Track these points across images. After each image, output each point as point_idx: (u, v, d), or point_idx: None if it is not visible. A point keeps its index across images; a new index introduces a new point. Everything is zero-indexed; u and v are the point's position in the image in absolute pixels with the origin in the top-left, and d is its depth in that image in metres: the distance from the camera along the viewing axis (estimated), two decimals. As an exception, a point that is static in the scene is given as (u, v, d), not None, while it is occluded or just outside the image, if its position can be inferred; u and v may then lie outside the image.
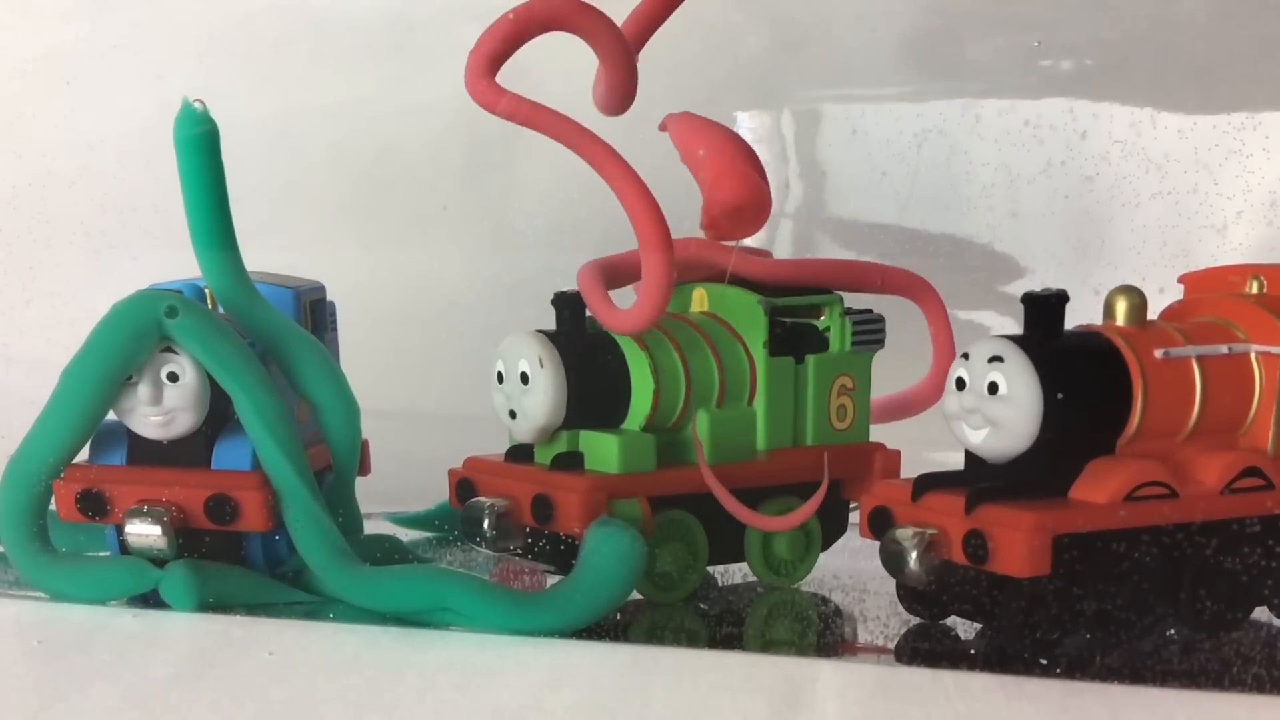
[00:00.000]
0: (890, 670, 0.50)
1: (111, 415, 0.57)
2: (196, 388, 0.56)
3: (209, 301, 0.59)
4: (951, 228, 0.89)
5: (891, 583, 0.55)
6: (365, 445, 0.63)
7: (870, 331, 0.63)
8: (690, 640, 0.55)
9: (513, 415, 0.60)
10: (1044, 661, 0.50)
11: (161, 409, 0.56)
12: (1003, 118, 0.86)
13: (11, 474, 0.57)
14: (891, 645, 0.54)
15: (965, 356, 0.52)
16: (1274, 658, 0.51)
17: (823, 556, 0.63)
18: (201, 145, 0.55)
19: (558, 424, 0.59)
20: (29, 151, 0.90)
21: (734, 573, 0.63)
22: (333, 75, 0.95)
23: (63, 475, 0.57)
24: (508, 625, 0.53)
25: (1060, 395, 0.50)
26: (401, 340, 0.89)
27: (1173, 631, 0.53)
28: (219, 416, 0.57)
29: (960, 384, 0.52)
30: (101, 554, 0.60)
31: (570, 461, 0.59)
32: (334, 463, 0.62)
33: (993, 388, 0.51)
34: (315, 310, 0.65)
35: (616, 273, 0.61)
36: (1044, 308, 0.52)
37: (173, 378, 0.56)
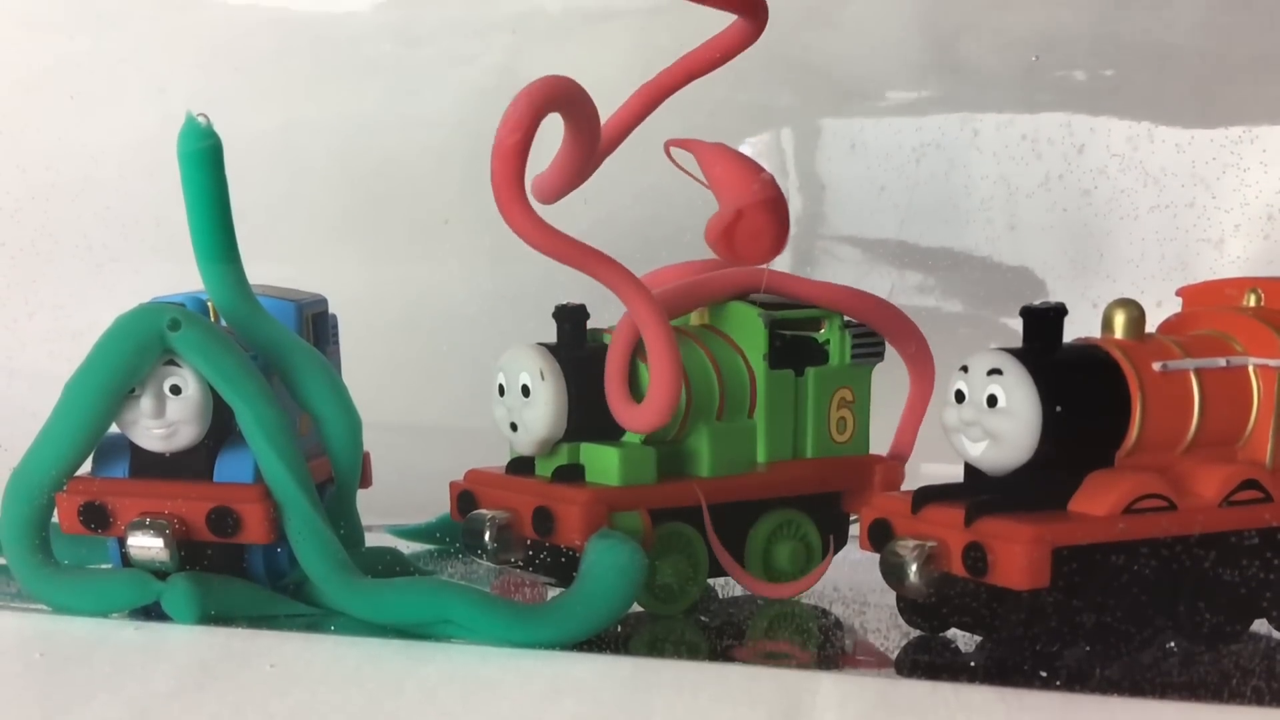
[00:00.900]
0: (890, 683, 0.50)
1: (114, 428, 0.57)
2: (199, 400, 0.56)
3: (211, 314, 0.60)
4: (950, 241, 0.89)
5: (891, 595, 0.55)
6: (367, 458, 0.64)
7: (870, 344, 0.63)
8: (691, 653, 0.55)
9: (514, 428, 0.60)
10: (1044, 674, 0.50)
11: (164, 422, 0.56)
12: (1001, 132, 0.86)
13: (14, 486, 0.57)
14: (892, 657, 0.54)
15: (964, 369, 0.53)
16: (1273, 670, 0.51)
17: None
18: (205, 159, 0.55)
19: (558, 436, 0.59)
20: (32, 165, 0.90)
21: (734, 585, 0.63)
22: (335, 89, 0.96)
23: (65, 488, 0.57)
24: (509, 638, 0.53)
25: (1059, 408, 0.50)
26: (403, 353, 0.89)
27: (1172, 644, 0.53)
28: (221, 429, 0.57)
29: (959, 397, 0.53)
30: (103, 566, 0.60)
31: (571, 474, 0.59)
32: (335, 475, 0.62)
33: (992, 400, 0.51)
34: (317, 323, 0.65)
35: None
36: (1042, 321, 0.52)
37: (175, 390, 0.56)
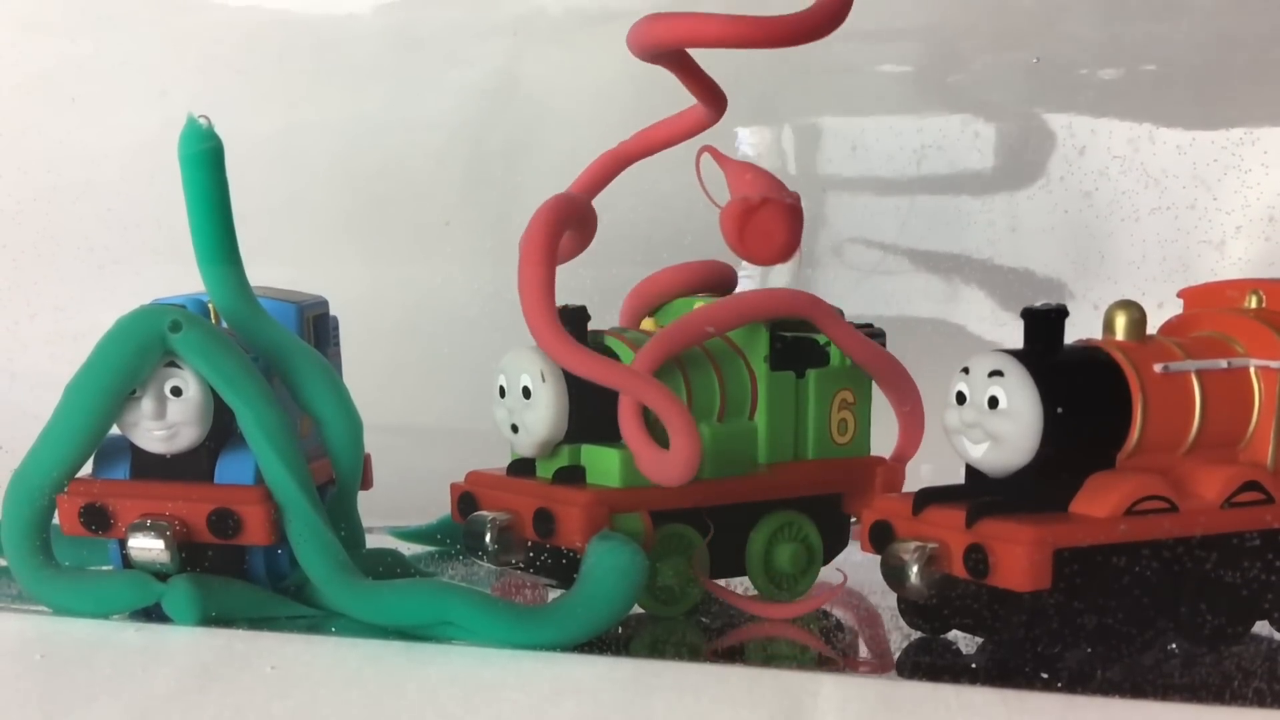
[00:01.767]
0: (891, 684, 0.50)
1: (115, 430, 0.57)
2: (200, 402, 0.56)
3: (212, 316, 0.60)
4: (951, 243, 0.89)
5: (892, 596, 0.55)
6: (367, 459, 0.64)
7: (871, 346, 0.63)
8: (692, 654, 0.55)
9: (514, 429, 0.60)
10: (1045, 675, 0.50)
11: (165, 423, 0.56)
12: (1002, 134, 0.86)
13: (15, 488, 0.57)
14: (893, 659, 0.54)
15: (965, 371, 0.53)
16: (1275, 671, 0.51)
17: (823, 570, 0.63)
18: (206, 161, 0.55)
19: (559, 438, 0.59)
20: (34, 167, 0.90)
21: (735, 587, 0.63)
22: (336, 91, 0.96)
23: (66, 489, 0.57)
24: (510, 639, 0.53)
25: (1060, 409, 0.50)
26: (404, 355, 0.89)
27: (1173, 645, 0.53)
28: (222, 431, 0.57)
29: (960, 398, 0.53)
30: (104, 568, 0.60)
31: (572, 475, 0.59)
32: (336, 477, 0.62)
33: (993, 402, 0.51)
34: (318, 325, 0.65)
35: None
36: (1044, 322, 0.52)
37: (176, 392, 0.56)
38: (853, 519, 0.63)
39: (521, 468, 0.61)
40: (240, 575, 0.59)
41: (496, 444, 0.62)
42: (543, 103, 0.93)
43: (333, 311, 0.67)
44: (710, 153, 0.60)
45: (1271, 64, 0.83)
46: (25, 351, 0.88)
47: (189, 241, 0.57)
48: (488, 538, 0.58)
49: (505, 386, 0.60)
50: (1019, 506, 0.51)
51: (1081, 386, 0.51)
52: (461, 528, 0.60)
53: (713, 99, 0.60)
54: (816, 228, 0.90)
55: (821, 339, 0.63)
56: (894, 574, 0.52)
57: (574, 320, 0.60)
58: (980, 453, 0.52)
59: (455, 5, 0.95)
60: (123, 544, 0.57)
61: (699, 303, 0.64)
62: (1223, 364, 0.53)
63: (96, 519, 0.57)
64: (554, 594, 0.61)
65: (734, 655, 0.55)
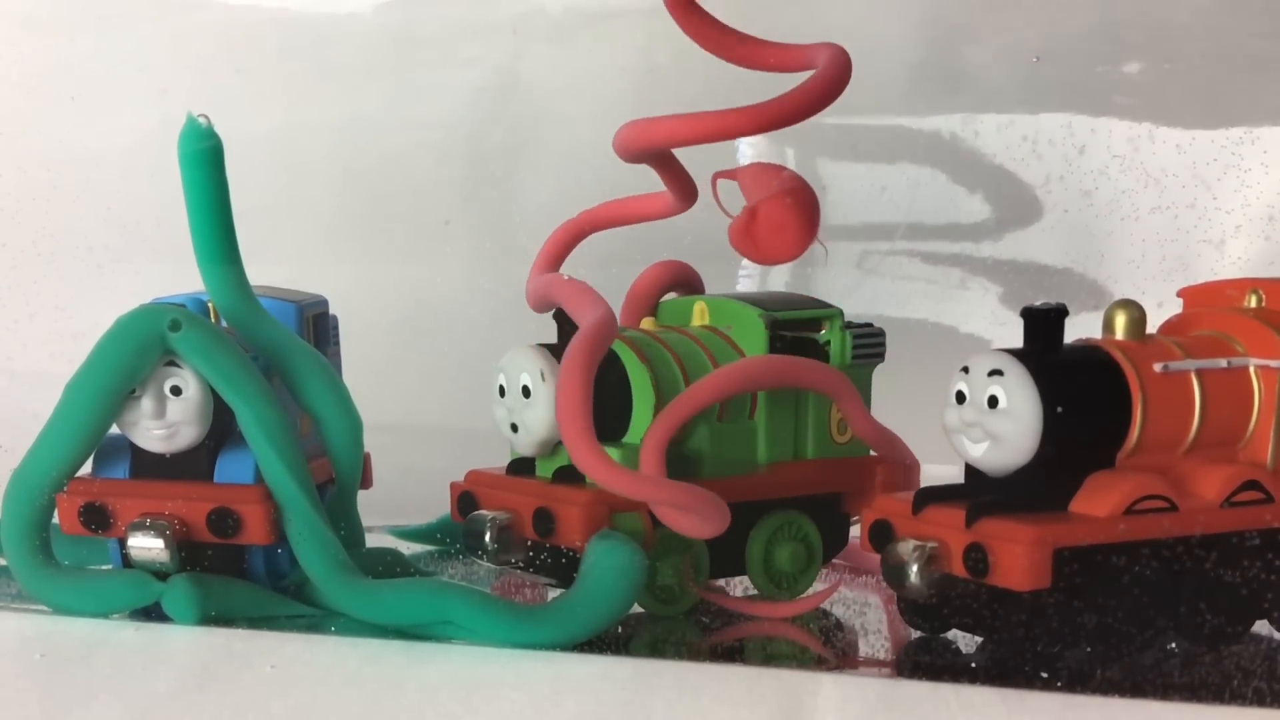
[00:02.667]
0: (891, 684, 0.50)
1: (115, 429, 0.57)
2: (199, 401, 0.56)
3: (212, 315, 0.60)
4: (951, 243, 0.89)
5: (892, 596, 0.55)
6: (367, 458, 0.64)
7: (871, 345, 0.63)
8: (691, 654, 0.55)
9: (514, 429, 0.60)
10: (1045, 675, 0.50)
11: (164, 422, 0.56)
12: (1002, 133, 0.86)
13: (15, 487, 0.57)
14: (892, 658, 0.54)
15: (965, 370, 0.53)
16: (1274, 671, 0.51)
17: (823, 570, 0.63)
18: (205, 160, 0.55)
19: (559, 437, 0.59)
20: (33, 166, 0.90)
21: (735, 586, 0.63)
22: (336, 90, 0.96)
23: (66, 488, 0.57)
24: (509, 639, 0.53)
25: (1060, 409, 0.50)
26: (403, 354, 0.89)
27: (1173, 645, 0.53)
28: (221, 430, 0.57)
29: (960, 398, 0.53)
30: (104, 567, 0.60)
31: (571, 475, 0.59)
32: (336, 476, 0.62)
33: (992, 401, 0.51)
34: (318, 324, 0.65)
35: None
36: (1043, 321, 0.52)
37: (176, 391, 0.56)
38: (853, 518, 0.63)
39: (521, 467, 0.61)
40: (240, 574, 0.59)
41: (496, 443, 0.62)
42: (542, 102, 0.93)
43: (332, 310, 0.67)
44: (721, 177, 0.60)
45: (1271, 64, 0.83)
46: (25, 351, 0.88)
47: (189, 240, 0.57)
48: (487, 537, 0.58)
49: (505, 386, 0.60)
50: (1019, 506, 0.51)
51: (1081, 386, 0.51)
52: (461, 527, 0.60)
53: (686, 194, 0.62)
54: (816, 227, 0.90)
55: (821, 337, 0.63)
56: (894, 573, 0.52)
57: (571, 320, 0.60)
58: (980, 452, 0.52)
59: (455, 4, 0.95)
60: (122, 543, 0.57)
61: (699, 303, 0.64)
62: (1222, 363, 0.53)
63: (96, 518, 0.57)
64: (553, 593, 0.61)
65: (734, 655, 0.55)
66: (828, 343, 0.63)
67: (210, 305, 0.59)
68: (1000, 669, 0.51)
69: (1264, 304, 0.56)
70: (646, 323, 0.64)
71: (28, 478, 0.57)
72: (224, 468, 0.57)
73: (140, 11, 0.95)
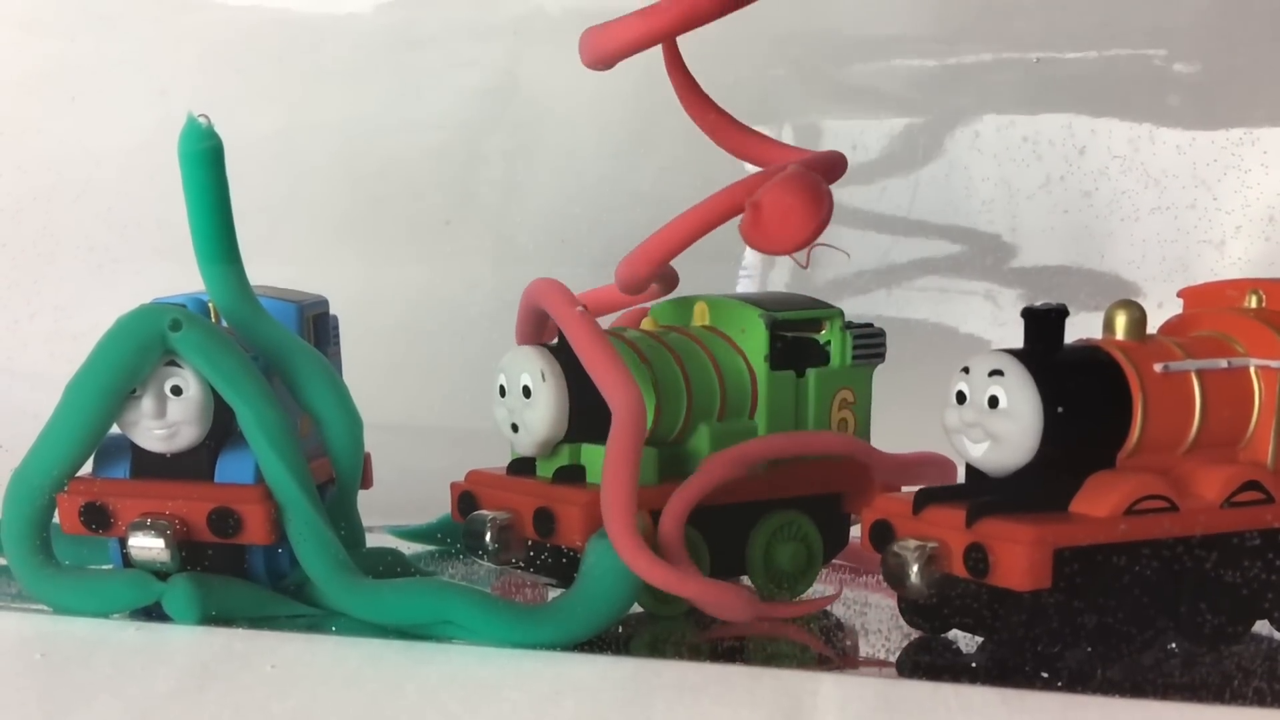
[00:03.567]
0: (891, 684, 0.50)
1: (115, 428, 0.57)
2: (200, 401, 0.56)
3: (212, 315, 0.60)
4: (951, 243, 0.89)
5: (892, 596, 0.55)
6: (367, 458, 0.64)
7: (871, 345, 0.63)
8: (692, 654, 0.55)
9: (514, 429, 0.60)
10: (1045, 675, 0.50)
11: (165, 422, 0.56)
12: (1002, 133, 0.86)
13: (15, 487, 0.57)
14: (893, 658, 0.54)
15: (965, 371, 0.53)
16: (1275, 671, 0.51)
17: (823, 570, 0.63)
18: (206, 160, 0.55)
19: (559, 437, 0.59)
20: (33, 166, 0.90)
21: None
22: (336, 90, 0.96)
23: (66, 488, 0.57)
24: (509, 638, 0.53)
25: (1060, 409, 0.50)
26: (404, 354, 0.89)
27: (1173, 645, 0.53)
28: (222, 430, 0.57)
29: (961, 398, 0.53)
30: (104, 567, 0.60)
31: (572, 475, 0.59)
32: (336, 476, 0.62)
33: (993, 401, 0.51)
34: (318, 324, 0.65)
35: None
36: (1044, 322, 0.52)
37: (176, 391, 0.56)
38: (853, 518, 0.63)
39: (521, 467, 0.61)
40: (240, 574, 0.59)
41: (496, 443, 0.62)
42: (542, 102, 0.93)
43: (333, 310, 0.67)
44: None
45: (1271, 63, 0.83)
46: (25, 350, 0.88)
47: (189, 240, 0.57)
48: (488, 537, 0.58)
49: (505, 385, 0.60)
50: (1019, 506, 0.51)
51: (1081, 386, 0.51)
52: (461, 527, 0.60)
53: (668, 283, 0.62)
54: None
55: (821, 338, 0.63)
56: (894, 573, 0.52)
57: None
58: (980, 452, 0.52)
59: (455, 5, 0.95)
60: (123, 543, 0.57)
61: (699, 302, 0.64)
62: (1223, 363, 0.53)
63: (97, 518, 0.57)
64: (554, 593, 0.61)
65: (734, 655, 0.55)
66: (828, 343, 0.63)
67: (210, 305, 0.59)
68: (1000, 669, 0.51)
69: (1264, 304, 0.56)
70: (646, 323, 0.64)
71: (28, 477, 0.57)
72: (224, 468, 0.57)
73: (140, 11, 0.95)
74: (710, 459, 0.57)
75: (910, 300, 0.89)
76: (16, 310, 0.89)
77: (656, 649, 0.55)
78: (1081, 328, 0.55)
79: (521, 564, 0.60)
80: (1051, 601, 0.50)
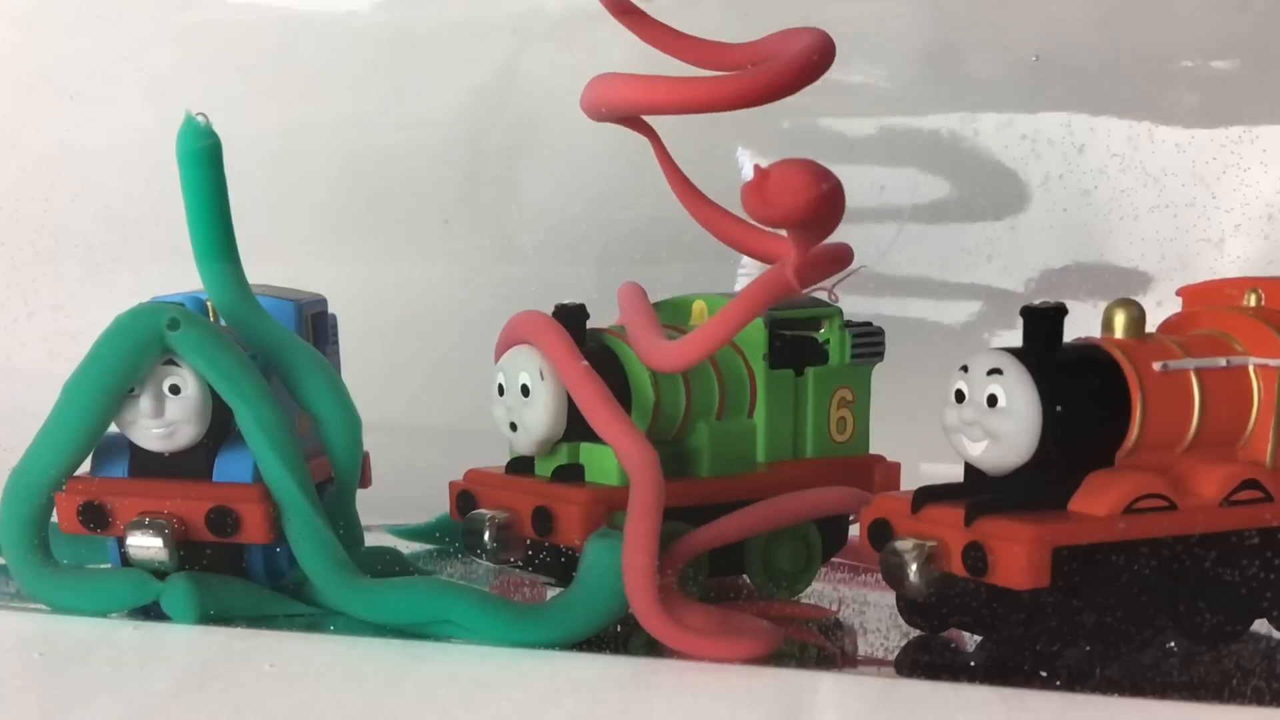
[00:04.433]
0: (890, 682, 0.50)
1: (113, 428, 0.57)
2: (198, 400, 0.56)
3: (211, 314, 0.60)
4: (951, 242, 0.89)
5: (891, 595, 0.55)
6: (366, 457, 0.64)
7: (870, 344, 0.63)
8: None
9: (513, 428, 0.60)
10: (1044, 674, 0.50)
11: (163, 421, 0.56)
12: (1001, 132, 0.86)
13: (13, 486, 0.57)
14: (891, 657, 0.54)
15: (964, 369, 0.53)
16: (1273, 670, 0.51)
17: (822, 569, 0.63)
18: (204, 159, 0.55)
19: (558, 436, 0.59)
20: (32, 164, 0.90)
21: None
22: (334, 89, 0.96)
23: (64, 487, 0.57)
24: (508, 637, 0.53)
25: (1059, 408, 0.50)
26: (402, 353, 0.89)
27: (1172, 644, 0.53)
28: (220, 429, 0.57)
29: (959, 396, 0.53)
30: (103, 566, 0.60)
31: (570, 474, 0.59)
32: (335, 475, 0.62)
33: (992, 400, 0.51)
34: (317, 323, 0.65)
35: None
36: (1042, 320, 0.52)
37: (174, 390, 0.56)
38: (851, 517, 0.63)
39: (520, 466, 0.61)
40: (239, 573, 0.59)
41: (495, 442, 0.62)
42: (542, 101, 0.93)
43: (331, 309, 0.67)
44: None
45: (1271, 63, 0.83)
46: (23, 350, 0.88)
47: (187, 239, 0.57)
48: (486, 536, 0.58)
49: (504, 385, 0.60)
50: (1018, 505, 0.51)
51: (1080, 385, 0.51)
52: (460, 526, 0.60)
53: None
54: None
55: (820, 336, 0.63)
56: (893, 572, 0.52)
57: (573, 319, 0.60)
58: (979, 451, 0.52)
59: (455, 3, 0.95)
60: (121, 542, 0.57)
61: (699, 302, 0.63)
62: (1222, 362, 0.53)
63: (95, 517, 0.57)
64: (552, 592, 0.61)
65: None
66: (827, 341, 0.63)
67: (209, 304, 0.59)
68: (999, 668, 0.51)
69: (1263, 303, 0.56)
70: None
71: (26, 477, 0.57)
72: (223, 467, 0.57)
73: (139, 10, 0.95)
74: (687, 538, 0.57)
75: (909, 299, 0.89)
76: (14, 309, 0.89)
77: (655, 648, 0.55)
78: (1080, 326, 0.55)
79: (520, 563, 0.60)
80: (1050, 600, 0.50)
